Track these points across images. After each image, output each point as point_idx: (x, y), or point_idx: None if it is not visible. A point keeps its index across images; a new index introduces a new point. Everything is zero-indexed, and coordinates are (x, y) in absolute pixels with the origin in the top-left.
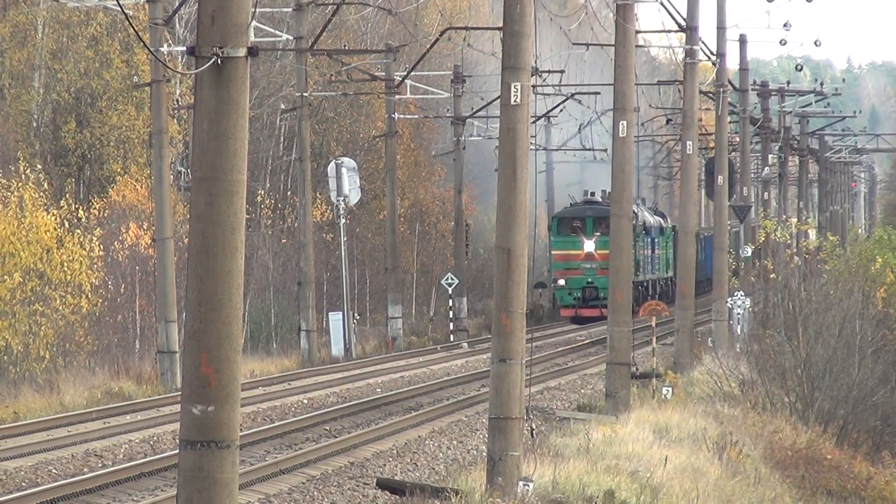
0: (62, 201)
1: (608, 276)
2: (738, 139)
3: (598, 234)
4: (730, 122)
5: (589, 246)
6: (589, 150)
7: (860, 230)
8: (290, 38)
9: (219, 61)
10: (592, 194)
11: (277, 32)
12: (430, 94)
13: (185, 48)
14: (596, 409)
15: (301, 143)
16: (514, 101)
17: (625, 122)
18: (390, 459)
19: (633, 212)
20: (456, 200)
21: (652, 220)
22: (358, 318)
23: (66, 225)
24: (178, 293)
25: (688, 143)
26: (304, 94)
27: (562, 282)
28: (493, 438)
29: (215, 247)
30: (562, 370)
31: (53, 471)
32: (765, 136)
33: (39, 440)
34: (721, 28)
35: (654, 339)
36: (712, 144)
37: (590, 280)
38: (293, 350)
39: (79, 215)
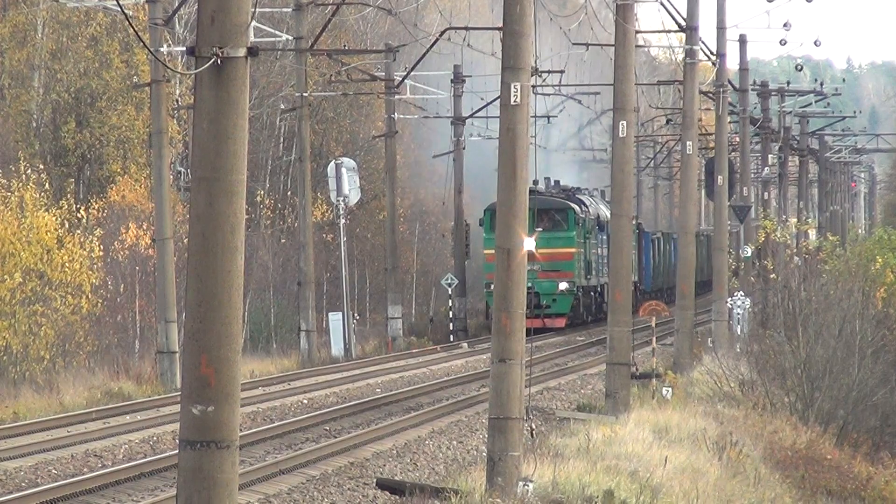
0: (62, 201)
1: (553, 279)
2: (737, 139)
3: (540, 229)
4: (730, 123)
5: (529, 244)
6: (588, 150)
7: (860, 230)
8: (290, 38)
9: (219, 61)
10: (536, 182)
11: (277, 32)
12: (429, 94)
13: (185, 48)
14: (596, 409)
15: (301, 143)
16: (514, 101)
17: (625, 122)
18: (390, 459)
19: (584, 203)
20: (456, 200)
21: (608, 213)
22: (358, 318)
23: (66, 225)
24: (177, 293)
25: (688, 143)
26: (304, 94)
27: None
28: (492, 438)
29: (215, 247)
30: (562, 370)
31: (53, 471)
32: (765, 136)
33: (39, 440)
34: (721, 28)
35: (654, 339)
36: (712, 144)
37: (530, 285)
38: (293, 350)
39: (79, 215)
